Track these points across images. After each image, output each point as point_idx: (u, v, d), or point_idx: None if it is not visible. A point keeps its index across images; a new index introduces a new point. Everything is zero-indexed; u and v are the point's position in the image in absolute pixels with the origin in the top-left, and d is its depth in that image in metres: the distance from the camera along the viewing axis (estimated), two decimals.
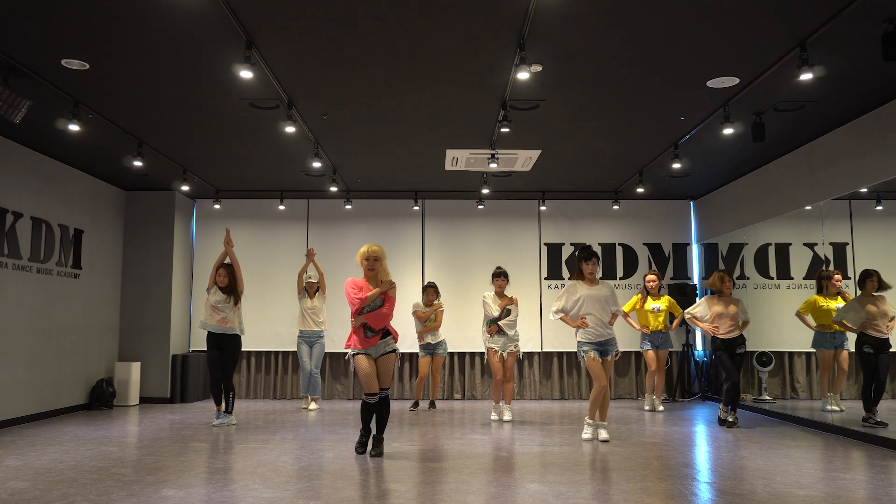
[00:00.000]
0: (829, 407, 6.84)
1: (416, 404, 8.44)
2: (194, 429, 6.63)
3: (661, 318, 8.18)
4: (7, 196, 6.80)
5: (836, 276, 6.66)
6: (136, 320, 9.08)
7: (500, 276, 7.39)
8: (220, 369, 6.92)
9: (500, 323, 7.26)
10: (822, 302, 6.77)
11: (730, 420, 6.77)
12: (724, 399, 6.84)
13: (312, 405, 8.31)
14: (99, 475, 4.48)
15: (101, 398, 8.30)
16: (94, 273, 8.44)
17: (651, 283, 8.23)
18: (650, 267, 9.79)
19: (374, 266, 5.24)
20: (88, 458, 5.11)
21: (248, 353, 9.62)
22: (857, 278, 6.26)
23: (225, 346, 6.94)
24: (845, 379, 6.68)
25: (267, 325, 9.48)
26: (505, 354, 7.29)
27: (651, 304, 8.21)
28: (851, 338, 6.49)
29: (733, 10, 4.25)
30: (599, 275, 6.18)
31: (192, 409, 8.36)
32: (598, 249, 9.77)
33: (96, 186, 8.52)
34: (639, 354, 9.49)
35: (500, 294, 7.36)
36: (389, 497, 3.93)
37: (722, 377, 6.89)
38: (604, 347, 5.96)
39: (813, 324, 6.86)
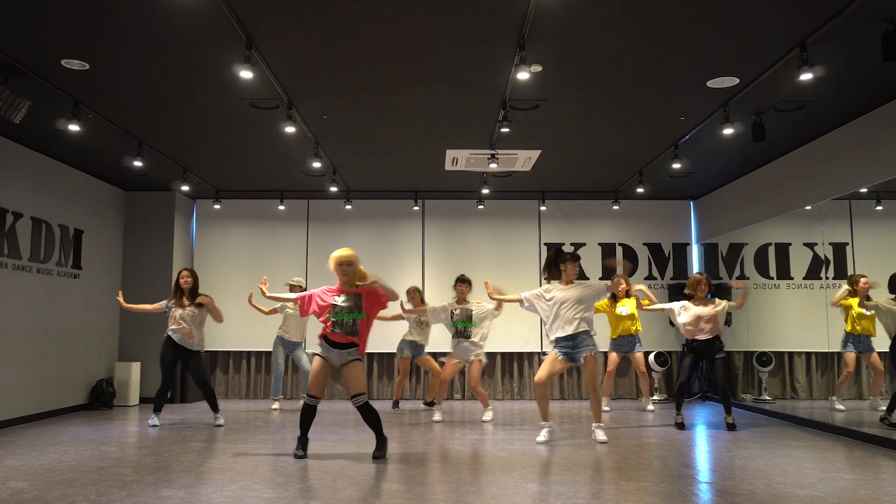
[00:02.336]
0: (837, 406, 6.83)
1: (396, 403, 8.34)
2: (194, 429, 6.63)
3: (628, 323, 8.00)
4: (7, 196, 6.79)
5: (861, 279, 6.53)
6: (136, 320, 9.06)
7: (463, 282, 7.31)
8: (173, 371, 6.92)
9: (466, 327, 7.13)
10: (856, 307, 6.65)
11: (679, 421, 6.70)
12: (676, 401, 6.83)
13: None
14: (99, 475, 4.48)
15: (101, 398, 8.30)
16: (94, 273, 8.44)
17: (620, 289, 8.04)
18: (650, 267, 9.80)
19: (346, 271, 5.11)
20: (88, 458, 5.11)
21: (248, 353, 9.63)
22: (888, 283, 6.16)
23: (186, 358, 6.87)
24: (883, 379, 6.62)
25: (266, 326, 9.43)
26: (467, 365, 7.19)
27: (620, 307, 7.99)
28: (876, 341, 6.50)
29: (733, 10, 4.25)
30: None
31: (192, 409, 8.36)
32: (598, 249, 9.79)
33: (96, 186, 8.52)
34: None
35: (462, 300, 7.26)
36: (389, 497, 3.92)
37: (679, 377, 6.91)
38: (573, 350, 5.77)
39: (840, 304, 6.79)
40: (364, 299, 5.12)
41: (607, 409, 8.13)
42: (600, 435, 5.83)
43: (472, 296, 7.38)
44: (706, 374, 9.49)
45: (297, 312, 8.10)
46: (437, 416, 7.29)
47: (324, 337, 5.13)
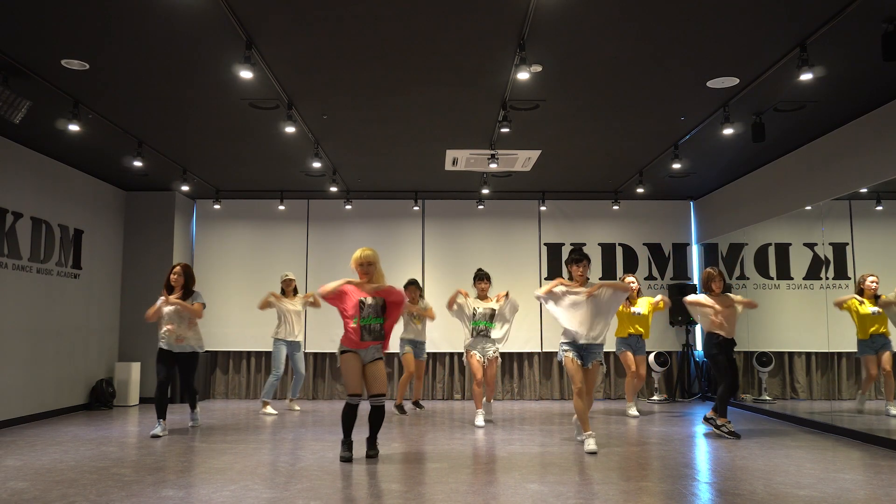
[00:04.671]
0: (862, 407, 6.63)
1: (401, 408, 7.83)
2: (194, 429, 6.63)
3: (640, 324, 7.79)
4: (7, 196, 6.79)
5: (869, 277, 6.37)
6: (136, 320, 9.06)
7: (482, 278, 7.13)
8: (170, 379, 6.34)
9: (487, 327, 6.95)
10: (863, 307, 6.45)
11: (730, 429, 6.13)
12: (721, 407, 6.18)
13: (296, 406, 8.31)
14: (99, 475, 4.48)
15: (101, 398, 8.30)
16: (94, 273, 8.44)
17: (633, 288, 7.73)
18: (650, 268, 9.79)
19: (368, 270, 5.18)
20: (88, 458, 5.11)
21: (249, 353, 9.62)
22: None
23: (180, 362, 6.47)
24: (893, 380, 6.36)
25: (266, 326, 9.42)
26: (485, 360, 6.97)
27: (634, 307, 7.78)
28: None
29: (733, 10, 4.25)
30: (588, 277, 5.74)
31: None
32: (598, 249, 9.78)
33: (96, 186, 8.52)
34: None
35: (483, 297, 7.10)
36: (389, 497, 3.92)
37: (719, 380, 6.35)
38: (584, 353, 5.51)
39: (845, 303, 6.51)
40: (386, 304, 5.17)
41: (636, 413, 7.70)
42: (591, 444, 5.37)
43: (492, 291, 7.26)
44: (707, 373, 9.49)
45: (299, 309, 8.08)
46: (479, 421, 6.95)
47: (350, 343, 5.11)
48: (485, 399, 7.29)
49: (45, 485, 4.21)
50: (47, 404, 7.48)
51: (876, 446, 5.66)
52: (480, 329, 6.98)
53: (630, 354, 7.76)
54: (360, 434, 6.27)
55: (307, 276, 9.54)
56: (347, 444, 5.10)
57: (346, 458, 5.03)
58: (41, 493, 4.01)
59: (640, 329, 7.84)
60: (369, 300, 5.11)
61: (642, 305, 7.88)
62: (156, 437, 6.16)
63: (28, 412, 7.13)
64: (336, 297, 5.13)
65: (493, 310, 7.02)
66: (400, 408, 7.85)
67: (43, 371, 7.39)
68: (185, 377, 6.59)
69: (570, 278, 5.73)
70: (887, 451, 5.42)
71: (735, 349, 6.46)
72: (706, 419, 6.35)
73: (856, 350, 6.56)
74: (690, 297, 6.57)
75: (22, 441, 5.91)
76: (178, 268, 6.65)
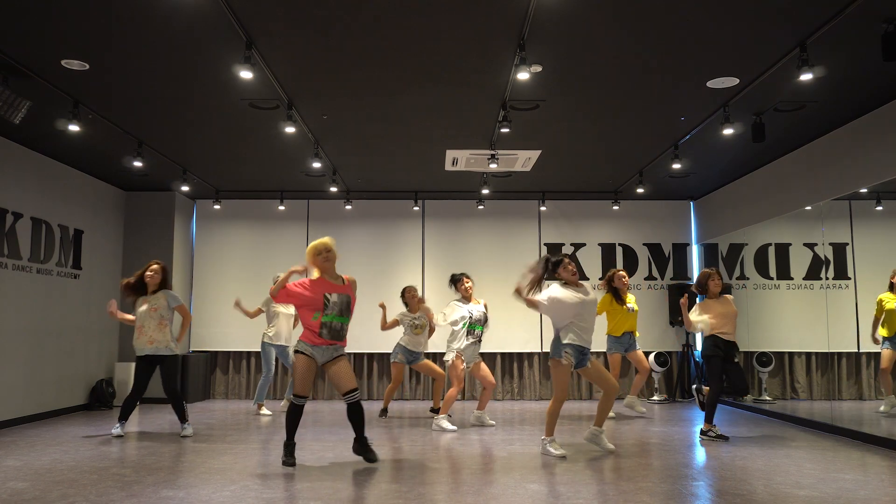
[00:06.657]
0: (881, 409, 6.49)
1: (384, 411, 7.62)
2: (194, 429, 6.62)
3: (633, 320, 7.54)
4: (7, 196, 6.79)
5: None
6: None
7: (469, 278, 6.90)
8: (145, 383, 6.10)
9: (482, 330, 6.74)
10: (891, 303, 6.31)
11: (718, 433, 5.96)
12: (708, 412, 5.98)
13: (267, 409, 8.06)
14: (99, 475, 4.48)
15: (101, 398, 8.30)
16: (94, 273, 8.44)
17: (626, 280, 7.53)
18: (650, 268, 9.79)
19: (329, 258, 4.90)
20: (88, 458, 5.11)
21: (249, 353, 9.62)
22: None
23: (158, 364, 6.14)
24: None
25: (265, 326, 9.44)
26: (471, 365, 6.73)
27: (628, 304, 7.51)
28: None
29: (733, 10, 4.25)
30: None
31: (192, 409, 8.35)
32: (598, 250, 9.78)
33: (96, 186, 8.52)
34: None
35: (472, 299, 6.82)
36: (389, 497, 3.92)
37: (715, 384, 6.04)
38: (584, 356, 5.30)
39: (880, 337, 6.36)
40: (352, 301, 4.94)
41: (643, 409, 7.71)
42: (606, 443, 5.39)
43: (491, 292, 7.00)
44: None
45: (291, 312, 7.81)
46: (489, 421, 6.92)
47: (307, 338, 4.86)
48: (478, 408, 7.02)
49: (45, 485, 4.21)
50: (47, 404, 7.48)
51: (876, 446, 5.65)
52: (478, 333, 6.72)
53: (617, 356, 7.54)
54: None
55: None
56: (290, 447, 4.85)
57: (289, 464, 4.78)
58: (41, 493, 4.01)
59: (634, 326, 7.62)
60: (334, 296, 4.83)
61: (633, 303, 7.63)
62: (119, 436, 6.05)
63: (28, 412, 7.13)
64: (290, 296, 4.84)
65: (485, 312, 6.83)
66: (383, 411, 7.62)
67: (43, 371, 7.39)
68: (164, 382, 6.12)
69: (564, 284, 5.36)
70: (887, 451, 5.41)
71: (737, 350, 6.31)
72: (703, 433, 6.04)
73: (855, 350, 6.55)
74: (700, 326, 6.22)
75: (22, 441, 5.91)
76: (155, 265, 6.19)
